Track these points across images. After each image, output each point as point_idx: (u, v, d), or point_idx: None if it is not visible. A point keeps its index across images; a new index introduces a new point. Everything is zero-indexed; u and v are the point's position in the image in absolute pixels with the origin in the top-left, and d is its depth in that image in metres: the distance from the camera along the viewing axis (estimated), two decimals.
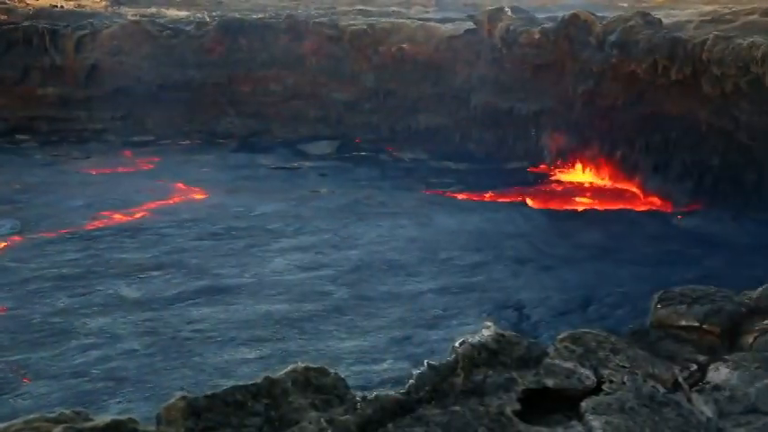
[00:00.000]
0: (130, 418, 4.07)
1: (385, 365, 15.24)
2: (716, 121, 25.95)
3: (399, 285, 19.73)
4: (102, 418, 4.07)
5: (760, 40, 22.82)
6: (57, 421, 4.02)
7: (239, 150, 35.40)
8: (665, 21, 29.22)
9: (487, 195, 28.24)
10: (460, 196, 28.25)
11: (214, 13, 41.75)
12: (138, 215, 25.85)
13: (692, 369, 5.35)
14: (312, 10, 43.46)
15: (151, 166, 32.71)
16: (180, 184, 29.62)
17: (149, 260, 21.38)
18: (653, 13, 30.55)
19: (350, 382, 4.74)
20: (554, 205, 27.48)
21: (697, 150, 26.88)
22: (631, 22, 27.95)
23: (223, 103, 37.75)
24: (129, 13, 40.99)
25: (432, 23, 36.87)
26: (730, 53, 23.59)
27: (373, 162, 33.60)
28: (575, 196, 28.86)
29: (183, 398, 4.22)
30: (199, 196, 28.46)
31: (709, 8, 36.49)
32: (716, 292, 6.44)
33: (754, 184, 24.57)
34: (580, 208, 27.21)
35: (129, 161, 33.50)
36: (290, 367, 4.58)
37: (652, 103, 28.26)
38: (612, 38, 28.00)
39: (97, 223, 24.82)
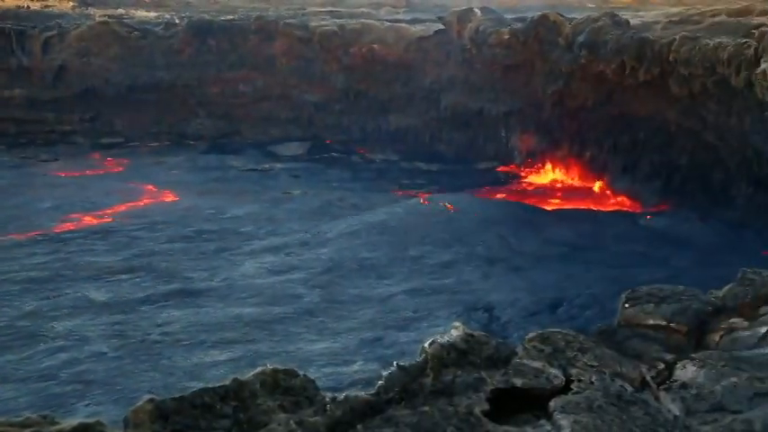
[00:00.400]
0: (98, 422, 4.04)
1: (355, 367, 15.23)
2: (684, 122, 26.16)
3: (371, 288, 19.73)
4: (70, 422, 4.04)
5: (726, 41, 23.02)
6: (23, 425, 3.98)
7: (209, 152, 35.25)
8: (632, 21, 29.40)
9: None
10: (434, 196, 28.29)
11: (183, 15, 41.49)
12: (107, 218, 25.71)
13: (659, 368, 5.38)
14: (282, 11, 43.33)
15: (120, 168, 32.52)
16: (150, 187, 29.45)
17: (119, 263, 21.26)
18: (621, 13, 30.75)
19: (320, 384, 4.73)
20: (524, 206, 27.57)
21: (665, 150, 27.08)
22: (600, 23, 28.11)
23: (192, 104, 37.57)
24: (98, 14, 40.66)
25: (401, 24, 36.89)
26: (697, 54, 23.77)
27: (344, 163, 33.60)
28: (544, 196, 28.98)
29: (151, 400, 4.19)
30: (169, 198, 28.33)
31: (676, 9, 36.78)
32: (683, 291, 6.49)
33: (721, 183, 24.78)
34: (550, 208, 27.30)
35: (98, 163, 33.29)
36: (258, 369, 4.56)
37: (620, 103, 28.45)
38: (581, 38, 28.14)
39: (66, 226, 24.65)
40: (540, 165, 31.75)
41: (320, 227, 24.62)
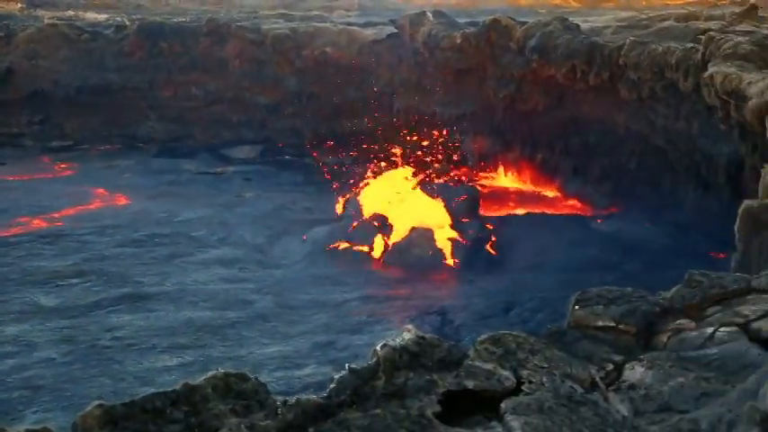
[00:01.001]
0: (45, 428, 3.99)
1: (308, 370, 15.20)
2: (633, 125, 26.46)
3: (325, 293, 19.70)
4: (17, 429, 3.98)
5: (674, 46, 23.33)
6: None
7: (161, 155, 34.93)
8: (583, 26, 29.69)
9: None
10: None
11: (134, 17, 41.12)
12: (57, 221, 25.37)
13: (608, 369, 5.43)
14: (234, 14, 43.13)
15: (71, 172, 32.11)
16: (101, 190, 29.12)
17: (68, 267, 21.00)
18: (571, 18, 31.03)
19: (272, 388, 4.71)
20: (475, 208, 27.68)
21: (615, 154, 27.36)
22: (550, 28, 28.35)
23: (144, 107, 37.21)
24: (46, 15, 40.17)
25: (354, 28, 36.89)
26: (646, 58, 24.07)
27: (297, 166, 33.51)
28: (496, 199, 29.11)
29: (100, 405, 4.15)
30: (121, 202, 28.04)
31: (625, 14, 37.24)
32: (632, 292, 6.56)
33: (669, 186, 25.08)
34: (502, 212, 27.44)
35: (48, 166, 32.83)
36: (209, 373, 4.54)
37: (571, 107, 28.72)
38: (532, 43, 28.35)
39: (14, 230, 24.29)
40: (492, 168, 31.92)
41: (273, 231, 24.54)
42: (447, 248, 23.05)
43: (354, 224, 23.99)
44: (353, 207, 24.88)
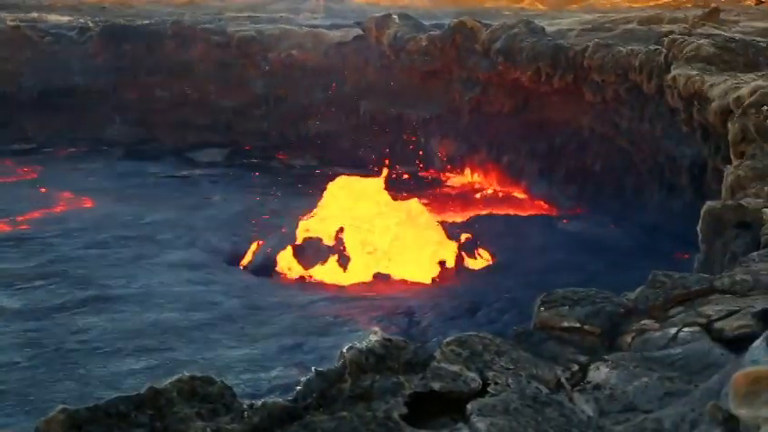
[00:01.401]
0: None
1: (274, 373, 15.16)
2: (598, 128, 26.66)
3: (291, 296, 19.66)
4: None
5: (638, 48, 23.55)
6: None
7: (126, 158, 34.64)
8: (547, 29, 29.87)
9: None
10: None
11: (97, 19, 40.79)
12: (21, 225, 25.11)
13: (573, 369, 5.47)
14: (199, 16, 42.92)
15: (35, 175, 31.75)
16: (66, 193, 28.85)
17: (33, 270, 20.77)
18: (536, 20, 31.21)
19: (239, 391, 4.70)
20: (444, 211, 27.77)
21: (580, 156, 27.57)
22: (515, 30, 28.50)
23: (108, 109, 36.93)
24: (8, 18, 39.64)
25: (320, 30, 36.86)
26: (610, 60, 24.27)
27: (264, 169, 33.41)
28: (464, 202, 29.22)
29: (64, 410, 4.12)
30: (86, 205, 27.81)
31: (590, 17, 37.50)
32: (596, 293, 6.62)
33: (634, 188, 25.30)
34: (469, 214, 27.53)
35: (10, 170, 32.43)
36: (175, 377, 4.52)
37: (537, 109, 28.89)
38: (497, 45, 28.48)
39: None
40: (459, 170, 32.02)
41: (241, 233, 24.47)
42: None
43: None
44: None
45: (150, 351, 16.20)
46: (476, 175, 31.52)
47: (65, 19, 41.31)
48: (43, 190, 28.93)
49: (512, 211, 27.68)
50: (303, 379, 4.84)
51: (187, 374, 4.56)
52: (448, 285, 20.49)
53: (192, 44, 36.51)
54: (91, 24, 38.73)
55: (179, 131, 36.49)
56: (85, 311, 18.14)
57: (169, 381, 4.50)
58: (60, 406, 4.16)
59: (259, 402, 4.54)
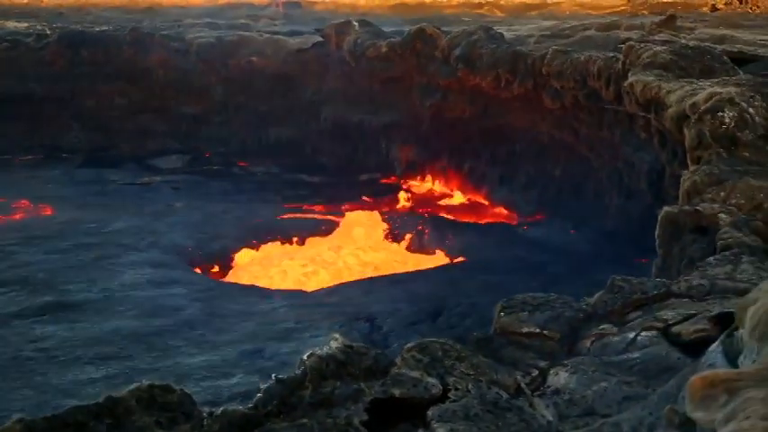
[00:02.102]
0: None
1: (235, 380, 15.06)
2: (557, 134, 26.84)
3: (253, 304, 19.57)
4: None
5: (596, 55, 23.74)
6: None
7: (85, 166, 34.26)
8: (507, 35, 30.06)
9: (344, 207, 28.31)
10: (317, 209, 28.26)
11: (55, 25, 40.43)
12: None
13: (533, 374, 5.52)
14: (158, 23, 42.70)
15: None
16: (24, 201, 28.48)
17: None
18: (495, 27, 31.40)
19: (199, 398, 4.68)
20: (404, 216, 27.83)
21: (540, 162, 27.73)
22: (475, 37, 28.63)
23: (67, 117, 36.58)
24: None
25: (280, 36, 36.82)
26: (569, 67, 24.45)
27: (226, 176, 33.21)
28: (425, 207, 29.29)
29: (20, 420, 4.08)
30: (47, 213, 27.49)
31: (548, 23, 37.80)
32: (556, 299, 6.68)
33: (593, 194, 25.48)
34: (430, 219, 27.60)
35: None
36: (133, 385, 4.49)
37: (497, 115, 29.02)
38: (457, 52, 28.60)
39: None
40: (420, 176, 32.09)
41: (203, 240, 24.35)
42: None
43: None
44: None
45: (109, 359, 16.03)
46: (437, 181, 31.61)
47: (22, 25, 40.93)
48: (1, 199, 28.51)
49: (472, 217, 27.81)
50: (263, 386, 4.83)
51: (146, 383, 4.54)
52: (409, 289, 20.47)
53: (150, 51, 36.26)
54: (48, 31, 38.39)
55: (138, 138, 36.22)
56: (45, 319, 17.93)
57: (127, 389, 4.48)
58: (17, 416, 4.12)
59: (219, 410, 4.53)
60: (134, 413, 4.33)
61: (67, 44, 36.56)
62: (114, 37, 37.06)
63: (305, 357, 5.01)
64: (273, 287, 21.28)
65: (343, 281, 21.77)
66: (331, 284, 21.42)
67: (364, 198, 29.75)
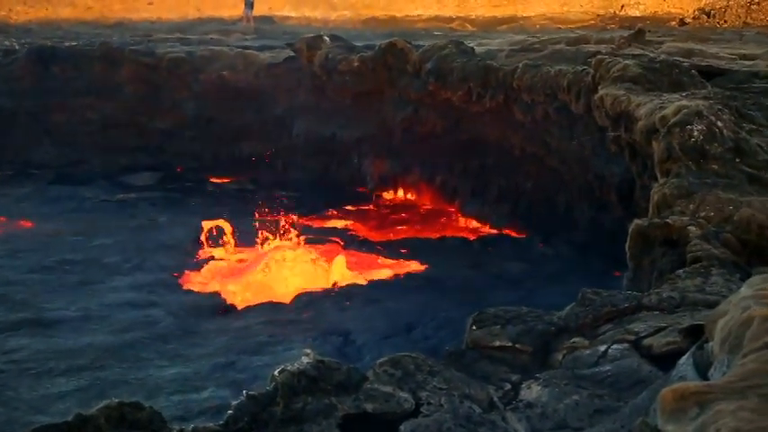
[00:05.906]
0: None
1: (206, 394, 15.00)
2: (528, 147, 26.96)
3: (228, 321, 19.51)
4: None
5: (566, 69, 23.91)
6: None
7: (57, 182, 33.88)
8: (478, 49, 30.21)
9: (317, 222, 28.32)
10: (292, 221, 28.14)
11: (23, 41, 40.20)
12: None
13: (506, 388, 5.54)
14: (128, 37, 42.57)
15: None
16: (1, 218, 28.15)
17: None
18: (467, 41, 31.55)
19: (169, 412, 4.69)
20: (378, 232, 27.86)
21: (511, 175, 27.84)
22: (446, 51, 28.74)
23: (37, 132, 36.30)
24: None
25: (251, 51, 36.79)
26: (539, 81, 24.60)
27: (199, 191, 32.98)
28: (398, 221, 29.33)
29: None
30: (26, 225, 27.27)
31: (519, 37, 38.02)
32: (528, 312, 6.71)
33: (565, 207, 25.61)
34: (403, 234, 27.64)
35: None
36: (103, 403, 4.47)
37: (468, 129, 29.12)
38: (428, 66, 28.70)
39: None
40: (392, 190, 32.13)
41: (186, 255, 24.27)
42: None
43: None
44: None
45: (81, 371, 15.93)
46: (409, 195, 31.67)
47: None
48: None
49: (445, 230, 27.87)
50: (234, 402, 4.82)
51: (115, 400, 4.52)
52: (383, 303, 20.47)
53: (121, 66, 36.12)
54: (17, 46, 38.17)
55: (109, 154, 35.98)
56: (20, 333, 17.79)
57: (97, 407, 4.45)
58: None
59: (189, 428, 4.51)
60: (103, 431, 4.31)
61: (37, 59, 36.35)
62: (84, 52, 36.88)
63: (276, 373, 5.01)
64: (249, 301, 21.20)
65: (318, 292, 21.72)
66: (305, 297, 21.35)
67: (335, 212, 29.79)
